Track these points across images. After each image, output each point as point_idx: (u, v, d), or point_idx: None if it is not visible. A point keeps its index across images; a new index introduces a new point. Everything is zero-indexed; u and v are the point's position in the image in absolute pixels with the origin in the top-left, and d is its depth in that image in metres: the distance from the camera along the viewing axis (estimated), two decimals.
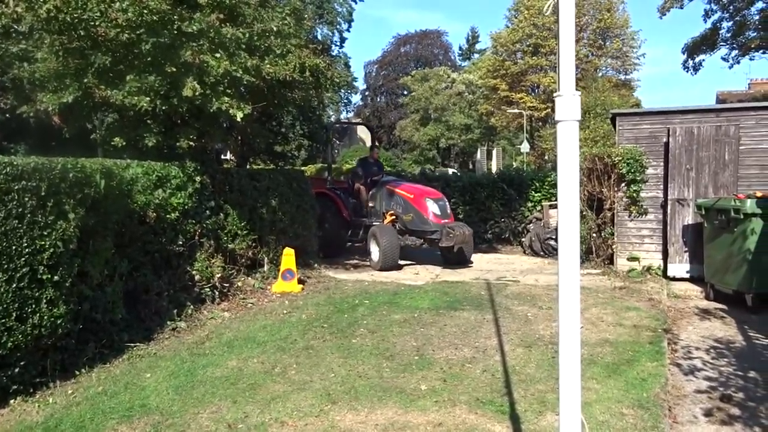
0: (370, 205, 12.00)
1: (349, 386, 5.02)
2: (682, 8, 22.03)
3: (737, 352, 6.16)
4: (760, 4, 20.33)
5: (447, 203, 11.35)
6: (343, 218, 12.13)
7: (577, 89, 2.36)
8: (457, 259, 11.19)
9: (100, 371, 5.42)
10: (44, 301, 4.90)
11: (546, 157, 35.80)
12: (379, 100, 59.68)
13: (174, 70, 6.91)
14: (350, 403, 4.68)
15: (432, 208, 10.90)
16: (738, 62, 23.01)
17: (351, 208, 12.22)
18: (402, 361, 5.66)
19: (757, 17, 21.08)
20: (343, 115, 47.01)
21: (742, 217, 7.64)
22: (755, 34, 21.49)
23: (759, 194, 7.81)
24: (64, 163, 5.27)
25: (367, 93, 60.04)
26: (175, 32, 6.88)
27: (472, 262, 11.51)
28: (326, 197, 12.29)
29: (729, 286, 8.02)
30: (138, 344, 6.09)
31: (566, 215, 2.33)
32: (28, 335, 4.76)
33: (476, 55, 58.23)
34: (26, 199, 4.76)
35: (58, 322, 5.03)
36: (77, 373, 5.30)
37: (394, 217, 11.36)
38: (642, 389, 4.92)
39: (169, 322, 6.75)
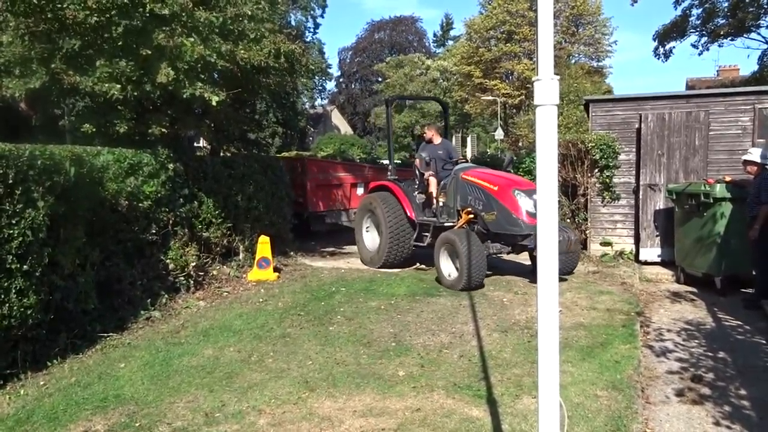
0: (441, 201, 9.25)
1: (326, 373, 5.01)
2: None
3: (707, 333, 6.29)
4: None
5: None
6: (407, 218, 9.58)
7: None
8: None
9: (72, 362, 5.33)
10: (13, 291, 4.80)
11: (520, 144, 36.03)
12: (353, 86, 59.41)
13: (148, 53, 6.76)
14: (328, 390, 4.67)
15: (524, 203, 8.12)
16: (707, 49, 23.46)
17: (417, 204, 9.63)
18: (379, 347, 5.67)
19: (726, 4, 21.44)
20: (317, 102, 46.67)
21: (711, 201, 7.79)
22: (724, 21, 21.87)
23: (728, 179, 7.96)
24: (33, 149, 5.14)
25: (341, 80, 59.72)
26: (147, 15, 6.71)
27: (572, 273, 8.88)
28: (388, 191, 9.91)
29: (699, 269, 8.18)
30: (111, 334, 6.01)
31: (545, 195, 2.34)
32: None
33: (450, 42, 58.19)
34: None
35: (29, 312, 4.93)
36: (49, 364, 5.21)
37: (471, 215, 8.66)
38: (616, 371, 5.00)
39: (142, 312, 6.67)
